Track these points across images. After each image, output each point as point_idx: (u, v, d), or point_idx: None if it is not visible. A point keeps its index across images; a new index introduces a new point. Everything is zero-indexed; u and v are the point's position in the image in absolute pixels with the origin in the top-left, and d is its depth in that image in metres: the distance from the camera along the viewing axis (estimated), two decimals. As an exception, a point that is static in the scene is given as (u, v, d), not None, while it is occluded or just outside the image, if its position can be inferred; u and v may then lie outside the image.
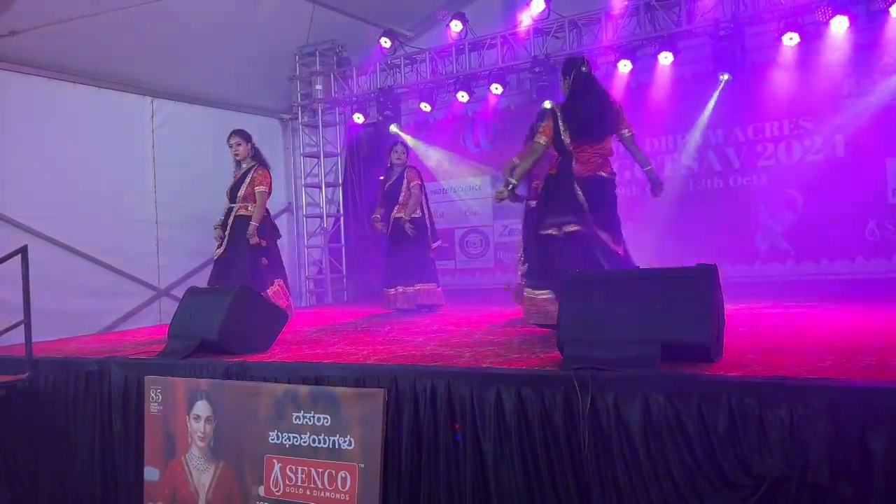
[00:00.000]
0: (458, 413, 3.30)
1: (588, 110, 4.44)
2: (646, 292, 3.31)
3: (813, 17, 6.37)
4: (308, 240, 9.29)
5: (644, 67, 7.36)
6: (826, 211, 6.95)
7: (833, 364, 2.98)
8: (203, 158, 8.05)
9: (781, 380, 2.75)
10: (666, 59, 7.03)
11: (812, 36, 6.60)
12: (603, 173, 4.48)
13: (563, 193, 4.41)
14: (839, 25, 6.36)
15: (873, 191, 6.82)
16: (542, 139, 4.45)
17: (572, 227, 4.31)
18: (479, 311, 6.30)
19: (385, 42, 8.46)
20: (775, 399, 2.66)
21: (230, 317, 4.33)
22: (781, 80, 7.02)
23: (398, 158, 7.06)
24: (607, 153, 4.54)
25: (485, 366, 3.49)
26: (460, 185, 9.38)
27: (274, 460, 3.67)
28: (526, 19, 7.81)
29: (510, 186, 4.46)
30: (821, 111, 7.07)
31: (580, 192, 4.36)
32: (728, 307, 3.88)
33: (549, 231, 4.39)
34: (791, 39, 6.55)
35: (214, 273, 6.00)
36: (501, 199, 4.54)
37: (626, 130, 4.57)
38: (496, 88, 8.01)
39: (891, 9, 6.11)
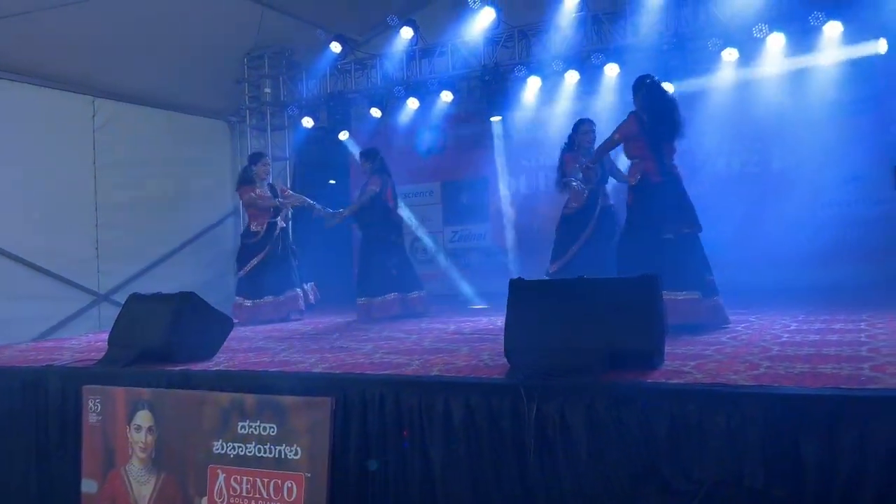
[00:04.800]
0: (407, 422, 3.30)
1: None
2: (591, 301, 3.39)
3: (750, 34, 6.58)
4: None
5: (591, 78, 7.50)
6: (763, 221, 7.20)
7: (768, 371, 3.09)
8: (148, 160, 7.91)
9: (719, 388, 2.85)
10: (612, 70, 7.19)
11: (750, 51, 6.86)
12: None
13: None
14: (776, 42, 6.63)
15: (807, 202, 7.10)
16: None
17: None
18: (427, 318, 6.31)
19: (335, 47, 8.42)
20: (713, 406, 2.76)
21: (175, 324, 4.24)
22: (721, 93, 7.25)
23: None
24: None
25: (433, 374, 3.51)
26: (411, 190, 9.39)
27: (218, 470, 3.60)
28: (476, 28, 7.88)
29: None
30: (758, 125, 7.33)
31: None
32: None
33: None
34: (730, 55, 6.79)
35: None
36: None
37: None
38: (446, 96, 8.06)
39: (824, 27, 6.40)
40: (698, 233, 4.70)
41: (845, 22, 6.35)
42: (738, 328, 4.56)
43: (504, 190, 8.88)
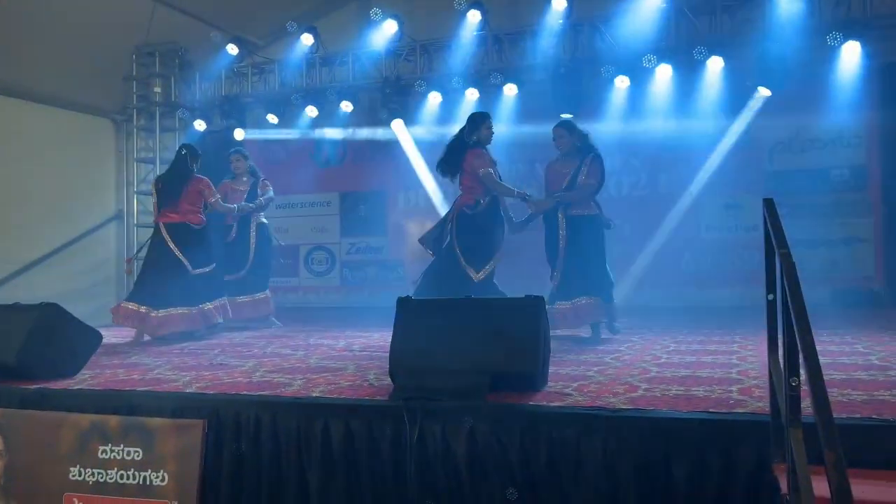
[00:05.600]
0: (284, 445, 3.16)
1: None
2: (476, 322, 3.36)
3: (640, 64, 6.84)
4: (138, 251, 8.66)
5: (491, 97, 7.57)
6: (650, 241, 7.49)
7: (645, 394, 3.16)
8: (20, 157, 7.34)
9: (597, 411, 2.88)
10: (510, 90, 7.29)
11: (641, 80, 7.12)
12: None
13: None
14: (664, 72, 6.94)
15: (690, 225, 7.46)
16: None
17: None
18: (318, 332, 6.14)
19: (232, 49, 8.13)
20: (591, 429, 2.78)
21: (33, 338, 3.90)
22: (613, 118, 7.48)
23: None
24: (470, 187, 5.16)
25: (314, 395, 3.38)
26: (308, 200, 9.18)
27: (74, 499, 3.32)
28: (379, 40, 7.81)
29: None
30: (647, 150, 7.63)
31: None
32: (555, 334, 4.04)
33: None
34: (622, 82, 7.04)
35: None
36: None
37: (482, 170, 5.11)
38: (346, 106, 7.94)
39: (707, 61, 6.75)
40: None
41: (726, 58, 6.72)
42: (622, 348, 4.67)
43: (403, 203, 8.84)
